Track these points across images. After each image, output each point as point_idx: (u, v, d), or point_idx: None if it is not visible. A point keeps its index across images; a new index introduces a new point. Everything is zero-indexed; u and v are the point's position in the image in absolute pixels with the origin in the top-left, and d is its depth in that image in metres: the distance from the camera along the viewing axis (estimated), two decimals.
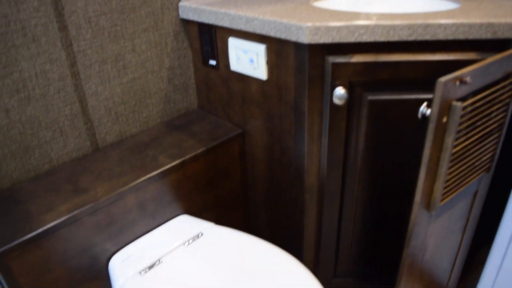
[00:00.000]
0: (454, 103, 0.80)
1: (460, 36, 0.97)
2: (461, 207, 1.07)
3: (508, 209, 1.22)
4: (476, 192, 1.09)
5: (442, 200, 0.92)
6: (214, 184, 1.27)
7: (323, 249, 1.26)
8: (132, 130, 1.27)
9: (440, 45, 0.98)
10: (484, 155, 1.00)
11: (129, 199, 1.06)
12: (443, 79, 0.76)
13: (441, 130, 0.82)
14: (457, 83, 0.79)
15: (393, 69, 0.98)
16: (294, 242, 1.28)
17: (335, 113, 1.03)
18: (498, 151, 1.08)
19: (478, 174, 1.01)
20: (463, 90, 0.82)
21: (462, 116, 0.83)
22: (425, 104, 0.82)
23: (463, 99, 0.83)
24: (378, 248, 1.30)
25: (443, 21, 0.95)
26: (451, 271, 1.27)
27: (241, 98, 1.20)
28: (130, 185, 1.05)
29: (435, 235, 1.04)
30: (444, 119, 0.81)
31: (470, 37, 0.97)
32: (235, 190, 1.34)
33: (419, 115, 0.82)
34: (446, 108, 0.80)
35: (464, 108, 0.82)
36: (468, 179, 0.98)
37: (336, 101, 0.98)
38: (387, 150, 1.08)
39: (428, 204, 0.91)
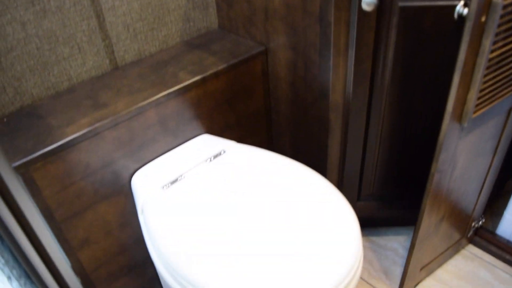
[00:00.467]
0: (496, 0, 0.73)
1: None
2: (493, 125, 1.02)
3: None
4: (510, 110, 1.04)
5: (475, 112, 0.87)
6: (235, 104, 1.24)
7: (347, 170, 1.24)
8: (151, 49, 1.24)
9: None
10: None
11: (149, 114, 1.04)
12: None
13: (479, 31, 0.76)
14: None
15: None
16: (318, 164, 1.26)
17: (363, 22, 0.96)
18: None
19: None
20: None
21: (502, 16, 0.76)
22: (461, 3, 0.76)
23: None
24: (403, 171, 1.27)
25: None
26: (478, 197, 1.24)
27: (263, 13, 1.15)
28: (150, 99, 1.03)
29: (465, 152, 1.00)
30: (483, 18, 0.74)
31: None
32: (257, 110, 1.31)
33: (455, 15, 0.76)
34: (486, 6, 0.73)
35: (505, 7, 0.76)
36: (504, 92, 0.92)
37: (365, 6, 0.92)
38: (418, 63, 1.03)
39: (460, 116, 0.87)
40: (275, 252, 0.82)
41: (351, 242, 0.83)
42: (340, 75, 1.06)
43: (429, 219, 1.08)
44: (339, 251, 0.82)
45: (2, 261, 0.46)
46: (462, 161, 1.01)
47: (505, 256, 1.38)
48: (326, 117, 1.14)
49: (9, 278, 0.47)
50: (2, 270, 0.47)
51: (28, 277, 0.54)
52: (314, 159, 1.27)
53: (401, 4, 0.94)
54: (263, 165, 1.04)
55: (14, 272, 0.50)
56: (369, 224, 1.48)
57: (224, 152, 1.10)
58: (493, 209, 1.52)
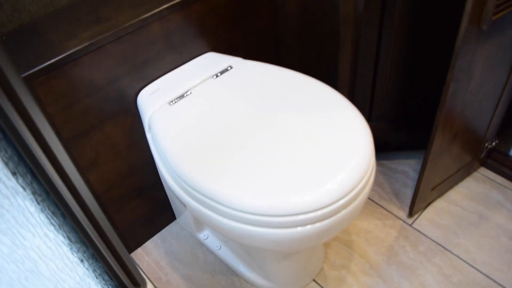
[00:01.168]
0: None
1: None
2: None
3: None
4: None
5: (495, 14, 0.82)
6: (241, 21, 1.19)
7: (358, 89, 1.21)
8: None
9: None
10: None
11: (153, 27, 1.00)
12: None
13: None
14: None
15: None
16: (328, 81, 1.23)
17: None
18: None
19: None
20: None
21: None
22: None
23: None
24: (417, 89, 1.23)
25: None
26: (493, 115, 1.20)
27: None
28: (153, 12, 0.98)
29: (483, 61, 0.95)
30: None
31: None
32: (264, 28, 1.26)
33: None
34: None
35: None
36: None
37: None
38: None
39: (479, 18, 0.82)
40: (286, 157, 0.81)
41: (363, 147, 0.81)
42: None
43: (442, 135, 1.05)
44: (352, 154, 0.80)
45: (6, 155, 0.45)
46: (479, 71, 0.97)
47: None
48: (336, 31, 1.09)
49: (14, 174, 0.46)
50: (7, 165, 0.46)
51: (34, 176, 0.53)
52: (324, 77, 1.23)
53: None
54: (271, 78, 1.01)
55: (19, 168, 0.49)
56: (380, 148, 1.46)
57: (231, 67, 1.07)
58: (508, 131, 1.49)
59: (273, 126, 0.89)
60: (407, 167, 1.44)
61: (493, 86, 1.08)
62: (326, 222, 0.77)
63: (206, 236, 1.27)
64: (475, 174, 1.42)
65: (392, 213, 1.31)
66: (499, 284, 1.14)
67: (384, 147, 1.46)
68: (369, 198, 1.36)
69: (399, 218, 1.30)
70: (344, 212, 0.77)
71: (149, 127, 0.99)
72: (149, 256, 1.29)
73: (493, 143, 1.36)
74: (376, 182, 1.40)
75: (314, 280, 1.17)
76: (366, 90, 1.22)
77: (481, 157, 1.37)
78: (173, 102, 0.99)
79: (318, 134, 0.85)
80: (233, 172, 0.80)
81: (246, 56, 1.27)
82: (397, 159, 1.47)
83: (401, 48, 1.12)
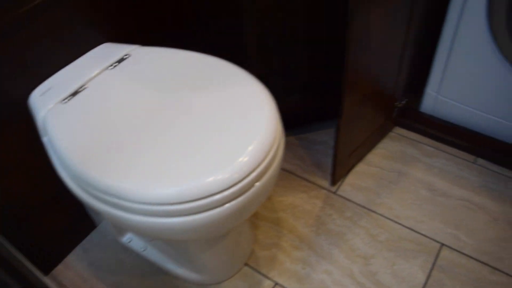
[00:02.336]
0: None
1: None
2: None
3: (451, 4, 1.15)
4: None
5: None
6: (139, 6, 1.12)
7: (267, 62, 1.18)
8: None
9: None
10: None
11: (36, 22, 0.91)
12: None
13: None
14: None
15: None
16: (236, 57, 1.19)
17: None
18: None
19: None
20: None
21: None
22: None
23: None
24: (324, 57, 1.23)
25: None
26: (398, 75, 1.23)
27: None
28: (33, 4, 0.89)
29: (379, 22, 0.96)
30: None
31: None
32: (164, 10, 1.19)
33: None
34: None
35: None
36: None
37: None
38: None
39: None
40: (193, 140, 0.77)
41: (268, 119, 0.79)
42: None
43: (351, 99, 1.06)
44: (258, 127, 0.77)
45: None
46: (376, 30, 0.98)
47: (429, 131, 1.42)
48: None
49: None
50: None
51: None
52: (231, 54, 1.20)
53: None
54: (171, 62, 0.95)
55: None
56: (298, 121, 1.46)
57: (128, 56, 1.00)
58: (416, 88, 1.54)
59: (176, 110, 0.84)
60: (326, 137, 1.46)
61: (393, 45, 1.10)
62: (243, 198, 0.74)
63: (129, 239, 1.20)
64: (390, 134, 1.46)
65: (315, 184, 1.32)
66: (423, 235, 1.18)
67: (303, 120, 1.46)
68: (291, 172, 1.35)
69: (323, 187, 1.31)
70: (258, 185, 0.75)
71: (45, 130, 0.90)
72: (71, 271, 1.20)
73: (403, 102, 1.41)
74: (297, 156, 1.40)
75: (246, 264, 1.15)
76: (276, 62, 1.20)
77: (394, 116, 1.40)
78: (67, 99, 0.91)
79: (223, 113, 0.81)
80: (138, 164, 0.75)
81: (146, 43, 1.20)
82: (316, 130, 1.48)
83: (304, 14, 1.10)
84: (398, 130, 1.46)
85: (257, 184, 0.76)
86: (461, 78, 1.28)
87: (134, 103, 0.87)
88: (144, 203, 0.72)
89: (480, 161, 1.37)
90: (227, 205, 0.74)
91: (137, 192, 0.72)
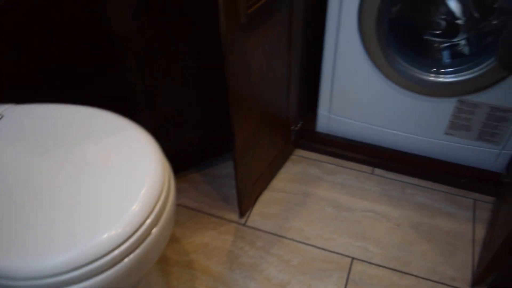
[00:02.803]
0: None
1: None
2: (279, 20, 1.02)
3: (328, 28, 1.21)
4: (292, 4, 1.04)
5: (250, 7, 0.84)
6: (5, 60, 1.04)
7: (156, 105, 1.15)
8: None
9: None
10: None
11: None
12: None
13: None
14: None
15: None
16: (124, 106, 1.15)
17: None
18: None
19: None
20: None
21: None
22: None
23: None
24: (214, 92, 1.23)
25: None
26: (288, 99, 1.27)
27: None
28: None
29: (257, 53, 0.98)
30: None
31: None
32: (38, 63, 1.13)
33: None
34: None
35: None
36: None
37: None
38: None
39: (237, 12, 0.83)
40: (73, 201, 0.71)
41: (153, 170, 0.76)
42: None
43: (242, 131, 1.06)
44: (141, 181, 0.74)
45: None
46: (258, 61, 1.00)
47: (328, 150, 1.47)
48: (112, 47, 1.02)
49: None
50: None
51: None
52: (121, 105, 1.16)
53: None
54: (50, 119, 0.90)
55: None
56: (199, 157, 1.44)
57: (1, 116, 0.92)
58: (309, 109, 1.60)
59: (59, 169, 0.78)
60: (230, 169, 1.45)
61: (277, 72, 1.13)
62: (142, 247, 0.71)
63: None
64: (292, 157, 1.49)
65: (224, 219, 1.30)
66: (333, 252, 1.20)
67: (205, 155, 1.45)
68: (199, 211, 1.32)
69: (232, 221, 1.29)
70: (156, 230, 0.73)
71: None
72: None
73: (299, 124, 1.45)
74: (204, 193, 1.38)
75: None
76: (166, 104, 1.17)
77: (292, 140, 1.44)
78: None
79: (108, 166, 0.78)
80: (19, 235, 0.68)
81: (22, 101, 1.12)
82: (219, 163, 1.47)
83: (188, 52, 1.10)
84: (299, 152, 1.50)
85: (154, 230, 0.73)
86: (346, 95, 1.35)
87: (11, 167, 0.80)
88: (34, 278, 0.66)
89: (378, 171, 1.44)
90: (126, 260, 0.69)
91: (23, 267, 0.65)
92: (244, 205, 1.26)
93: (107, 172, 0.76)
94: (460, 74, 1.19)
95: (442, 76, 1.21)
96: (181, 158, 1.37)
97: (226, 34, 0.82)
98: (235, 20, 0.84)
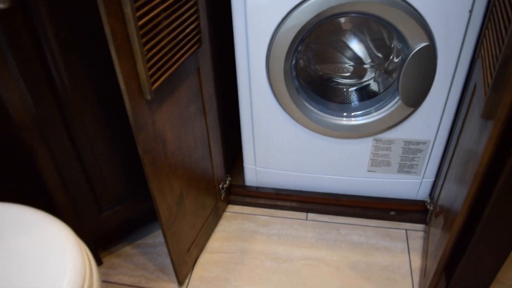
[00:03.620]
0: None
1: None
2: (187, 89, 1.03)
3: (240, 84, 1.24)
4: (198, 70, 1.06)
5: (154, 83, 0.85)
6: None
7: (72, 188, 1.11)
8: None
9: None
10: (187, 28, 0.94)
11: None
12: None
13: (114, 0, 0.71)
14: None
15: None
16: (41, 195, 1.10)
17: (6, 21, 0.83)
18: (205, 23, 1.05)
19: (189, 49, 0.97)
20: None
21: None
22: None
23: None
24: (133, 164, 1.21)
25: None
26: (211, 159, 1.27)
27: None
28: None
29: (169, 124, 0.98)
30: None
31: None
32: None
33: None
34: None
35: None
36: (177, 56, 0.92)
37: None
38: (92, 49, 0.95)
39: (140, 90, 0.83)
40: None
41: (69, 256, 0.72)
42: (14, 94, 0.90)
43: (165, 201, 1.04)
44: (61, 268, 0.70)
45: None
46: (170, 132, 0.99)
47: (259, 202, 1.48)
48: (20, 140, 0.98)
49: None
50: None
51: None
52: (33, 191, 1.11)
53: None
54: None
55: None
56: (129, 229, 1.40)
57: None
58: (235, 165, 1.61)
59: None
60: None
61: (195, 137, 1.13)
62: None
63: None
64: (225, 214, 1.48)
65: None
66: None
67: (134, 227, 1.40)
68: (136, 286, 1.27)
69: None
70: None
71: None
72: None
73: (227, 181, 1.45)
74: (139, 265, 1.33)
75: None
76: (81, 184, 1.13)
77: (223, 197, 1.43)
78: None
79: (25, 263, 0.73)
80: None
81: None
82: (151, 231, 1.43)
83: (93, 132, 1.08)
84: (232, 208, 1.49)
85: None
86: (268, 147, 1.37)
87: None
88: None
89: (311, 215, 1.46)
90: None
91: None
92: (182, 273, 1.22)
93: (26, 269, 0.71)
94: (371, 115, 1.25)
95: (353, 119, 1.27)
96: (110, 233, 1.32)
97: (133, 115, 0.82)
98: (140, 99, 0.83)
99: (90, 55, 0.96)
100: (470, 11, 1.04)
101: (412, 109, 1.21)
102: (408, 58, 1.09)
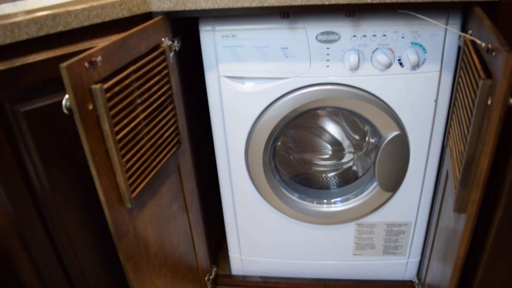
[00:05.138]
0: (93, 86, 0.73)
1: (97, 20, 0.91)
2: (168, 189, 1.04)
3: (221, 179, 1.27)
4: (178, 168, 1.08)
5: (133, 191, 0.86)
6: None
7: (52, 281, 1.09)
8: None
9: (80, 33, 0.91)
10: (166, 132, 0.98)
11: None
12: (65, 63, 0.68)
13: (92, 119, 0.74)
14: (87, 64, 0.72)
15: (37, 70, 0.86)
16: None
17: None
18: (183, 123, 1.09)
19: (169, 152, 0.99)
20: (101, 71, 0.76)
21: (111, 99, 0.77)
22: (66, 96, 0.73)
23: (106, 80, 0.77)
24: (115, 265, 1.19)
25: (71, 8, 0.87)
26: (195, 253, 1.26)
27: None
28: None
29: (151, 226, 0.98)
30: (90, 106, 0.73)
31: (107, 18, 0.93)
32: None
33: (65, 110, 0.73)
34: (87, 94, 0.73)
35: (110, 89, 0.77)
36: (157, 160, 0.94)
37: None
38: (71, 162, 0.97)
39: (120, 200, 0.84)
40: None
41: None
42: None
43: None
44: None
45: None
46: (153, 235, 1.00)
47: None
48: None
49: None
50: None
51: None
52: None
53: (23, 109, 0.87)
54: None
55: None
56: None
57: None
58: (220, 254, 1.59)
59: None
60: None
61: (179, 235, 1.13)
62: None
63: None
64: None
65: None
66: None
67: None
68: None
69: None
70: None
71: None
72: None
73: (213, 273, 1.43)
74: None
75: None
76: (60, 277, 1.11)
77: None
78: None
79: None
80: None
81: None
82: None
83: (81, 234, 1.07)
84: None
85: None
86: (252, 236, 1.37)
87: None
88: None
89: None
90: None
91: None
92: None
93: None
94: (351, 201, 1.27)
95: (334, 205, 1.28)
96: None
97: (113, 225, 0.82)
98: (120, 208, 0.84)
99: (71, 163, 0.98)
100: (436, 101, 1.09)
101: (390, 193, 1.23)
102: (382, 146, 1.13)
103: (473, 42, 0.85)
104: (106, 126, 0.76)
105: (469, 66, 0.82)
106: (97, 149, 0.75)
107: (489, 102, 0.69)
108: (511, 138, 0.92)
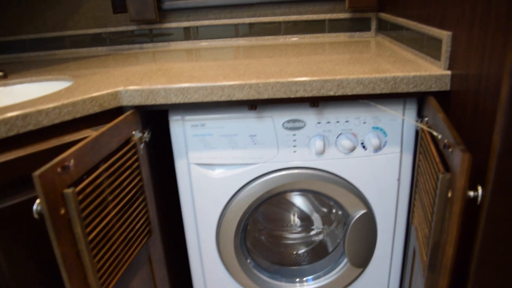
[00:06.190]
0: (66, 190, 0.73)
1: (68, 117, 0.92)
2: (139, 281, 1.02)
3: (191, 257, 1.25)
4: (149, 258, 1.07)
5: (107, 287, 0.84)
6: None
7: None
8: None
9: (51, 131, 0.92)
10: (137, 223, 0.97)
11: None
12: (38, 171, 0.68)
13: (64, 222, 0.74)
14: (59, 170, 0.72)
15: (6, 170, 0.85)
16: None
17: None
18: (154, 212, 1.08)
19: (140, 243, 0.99)
20: (74, 174, 0.76)
21: (83, 200, 0.77)
22: (38, 201, 0.73)
23: (79, 182, 0.78)
24: None
25: (42, 107, 0.88)
26: None
27: None
28: None
29: None
30: (62, 211, 0.73)
31: (78, 115, 0.94)
32: None
33: (35, 215, 0.72)
34: (59, 199, 0.72)
35: (82, 191, 0.77)
36: (129, 254, 0.93)
37: None
38: (36, 265, 0.94)
39: None
40: None
41: None
42: None
43: None
44: None
45: None
46: None
47: None
48: None
49: None
50: None
51: None
52: None
53: None
54: None
55: None
56: None
57: None
58: None
59: None
60: None
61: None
62: None
63: None
64: None
65: None
66: None
67: None
68: None
69: None
70: None
71: None
72: None
73: None
74: None
75: None
76: None
77: None
78: None
79: None
80: None
81: None
82: None
83: None
84: None
85: None
86: None
87: None
88: None
89: None
90: None
91: None
92: None
93: None
94: (322, 278, 1.28)
95: (306, 284, 1.28)
96: None
97: None
98: None
99: (39, 264, 0.95)
100: (398, 180, 1.14)
101: (361, 269, 1.25)
102: (350, 224, 1.16)
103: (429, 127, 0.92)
104: (78, 229, 0.75)
105: (427, 153, 0.88)
106: (68, 253, 0.74)
107: (449, 195, 0.73)
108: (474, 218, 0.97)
